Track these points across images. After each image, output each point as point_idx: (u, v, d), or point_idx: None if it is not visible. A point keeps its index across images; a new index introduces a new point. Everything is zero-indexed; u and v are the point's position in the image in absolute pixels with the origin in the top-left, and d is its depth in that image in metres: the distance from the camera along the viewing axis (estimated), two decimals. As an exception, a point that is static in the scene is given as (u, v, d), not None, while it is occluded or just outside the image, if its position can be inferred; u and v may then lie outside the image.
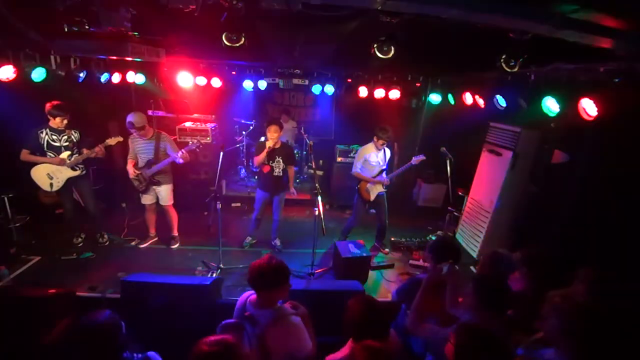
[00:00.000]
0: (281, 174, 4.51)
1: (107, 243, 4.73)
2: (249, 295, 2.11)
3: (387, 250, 5.01)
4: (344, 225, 5.04)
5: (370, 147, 4.59)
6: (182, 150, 4.28)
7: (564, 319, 1.66)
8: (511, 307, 2.12)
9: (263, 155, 4.33)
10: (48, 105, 3.97)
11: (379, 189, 4.64)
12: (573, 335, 1.61)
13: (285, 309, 2.05)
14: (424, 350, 2.33)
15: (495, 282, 2.12)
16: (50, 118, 4.01)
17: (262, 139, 4.45)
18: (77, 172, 4.29)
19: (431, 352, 2.16)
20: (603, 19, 2.16)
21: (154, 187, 4.46)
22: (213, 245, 4.36)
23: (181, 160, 4.29)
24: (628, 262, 2.90)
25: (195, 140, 4.41)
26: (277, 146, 4.38)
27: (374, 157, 4.56)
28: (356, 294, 2.49)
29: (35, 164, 4.06)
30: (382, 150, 4.60)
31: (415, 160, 4.50)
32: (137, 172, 4.31)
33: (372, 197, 4.65)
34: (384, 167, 4.63)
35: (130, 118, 4.11)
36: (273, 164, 4.45)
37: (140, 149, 4.32)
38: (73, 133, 4.19)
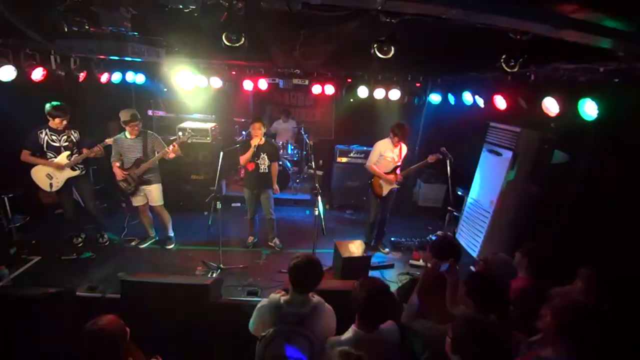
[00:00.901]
0: (267, 170, 4.52)
1: (107, 243, 4.72)
2: (278, 298, 2.10)
3: (387, 250, 5.01)
4: (365, 229, 5.03)
5: (386, 142, 4.60)
6: (173, 143, 4.27)
7: (558, 319, 1.66)
8: (508, 306, 2.12)
9: (249, 153, 4.33)
10: (48, 106, 3.96)
11: (393, 184, 4.66)
12: (567, 335, 1.62)
13: (319, 300, 2.13)
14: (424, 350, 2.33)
15: (488, 281, 2.12)
16: (50, 119, 4.01)
17: (247, 137, 4.47)
18: (77, 172, 4.29)
19: (427, 348, 2.16)
20: (603, 19, 2.15)
21: (143, 187, 4.43)
22: (213, 245, 4.35)
23: (172, 155, 4.28)
24: (628, 261, 2.90)
25: (187, 133, 4.41)
26: (262, 143, 4.39)
27: (389, 152, 4.58)
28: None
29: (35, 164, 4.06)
30: (399, 147, 4.61)
31: (431, 158, 4.52)
32: (125, 173, 4.29)
33: (385, 192, 4.66)
34: (399, 163, 4.63)
35: (129, 113, 4.14)
36: (258, 161, 4.45)
37: (127, 148, 4.28)
38: (73, 133, 4.18)
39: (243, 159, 4.42)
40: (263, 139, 4.40)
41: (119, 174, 4.29)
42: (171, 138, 4.51)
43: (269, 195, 4.67)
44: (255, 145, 4.30)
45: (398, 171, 4.61)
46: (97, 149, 4.19)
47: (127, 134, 4.28)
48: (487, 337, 1.57)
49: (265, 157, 4.47)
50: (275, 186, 4.71)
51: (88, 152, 4.19)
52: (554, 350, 1.69)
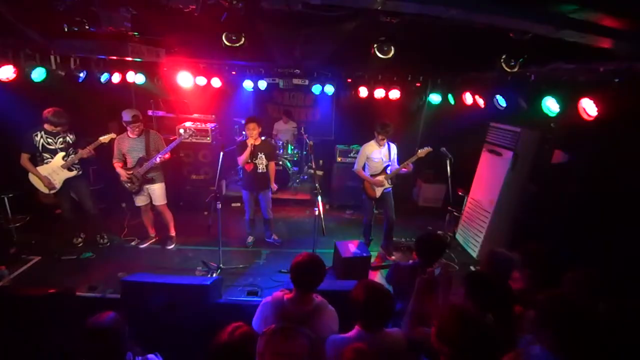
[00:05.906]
0: (265, 170, 4.50)
1: (107, 244, 4.71)
2: (282, 296, 2.10)
3: (393, 257, 4.87)
4: (362, 230, 5.02)
5: (372, 144, 4.58)
6: (166, 149, 4.32)
7: (540, 309, 1.69)
8: (506, 304, 2.12)
9: (247, 153, 4.32)
10: (46, 112, 3.93)
11: (385, 184, 4.62)
12: (548, 324, 1.64)
13: (322, 300, 2.13)
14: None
15: (486, 281, 2.11)
16: (47, 123, 3.99)
17: (244, 137, 4.44)
18: (74, 173, 4.26)
19: (424, 353, 2.15)
20: (603, 19, 2.16)
21: (147, 186, 4.43)
22: (213, 245, 4.35)
23: (167, 156, 4.34)
24: (628, 261, 2.90)
25: (183, 132, 4.43)
26: (258, 143, 4.38)
27: (376, 153, 4.56)
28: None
29: (34, 164, 4.06)
30: (386, 146, 4.59)
31: (421, 152, 4.43)
32: (129, 172, 4.28)
33: (378, 194, 4.64)
34: (389, 162, 4.60)
35: (131, 113, 4.13)
36: (256, 161, 4.44)
37: (130, 147, 4.27)
38: (68, 135, 4.16)
39: (241, 159, 4.40)
40: (260, 138, 4.40)
41: (123, 174, 4.28)
42: (171, 138, 4.52)
43: (267, 195, 4.70)
44: (251, 145, 4.29)
45: (388, 170, 4.58)
46: (86, 151, 4.14)
47: (129, 133, 4.28)
48: (471, 327, 1.57)
49: (263, 156, 4.45)
50: (274, 185, 4.70)
51: (83, 152, 4.15)
52: (541, 348, 1.71)
